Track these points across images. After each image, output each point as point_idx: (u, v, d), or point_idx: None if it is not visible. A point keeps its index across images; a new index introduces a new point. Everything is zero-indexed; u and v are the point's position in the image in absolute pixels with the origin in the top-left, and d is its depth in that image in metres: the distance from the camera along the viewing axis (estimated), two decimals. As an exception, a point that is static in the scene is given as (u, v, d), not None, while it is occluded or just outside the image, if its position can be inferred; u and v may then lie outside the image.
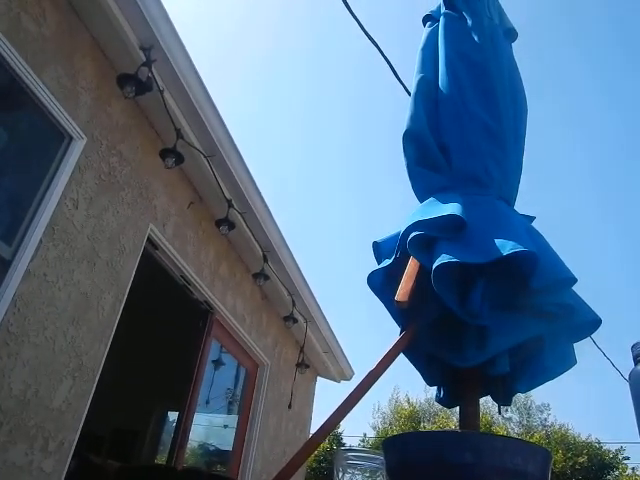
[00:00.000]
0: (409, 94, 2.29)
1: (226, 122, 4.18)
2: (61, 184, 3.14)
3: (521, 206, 1.92)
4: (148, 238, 4.05)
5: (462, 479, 0.81)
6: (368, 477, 1.24)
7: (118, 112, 3.68)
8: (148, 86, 3.46)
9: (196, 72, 3.77)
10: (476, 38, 1.92)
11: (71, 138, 3.26)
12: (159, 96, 3.66)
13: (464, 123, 1.80)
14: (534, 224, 1.79)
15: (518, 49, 2.19)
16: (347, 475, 1.26)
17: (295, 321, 6.38)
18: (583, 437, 17.20)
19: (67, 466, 3.20)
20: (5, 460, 2.77)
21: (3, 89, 2.96)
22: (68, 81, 3.22)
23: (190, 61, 3.70)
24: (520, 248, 1.42)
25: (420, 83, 1.96)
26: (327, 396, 8.17)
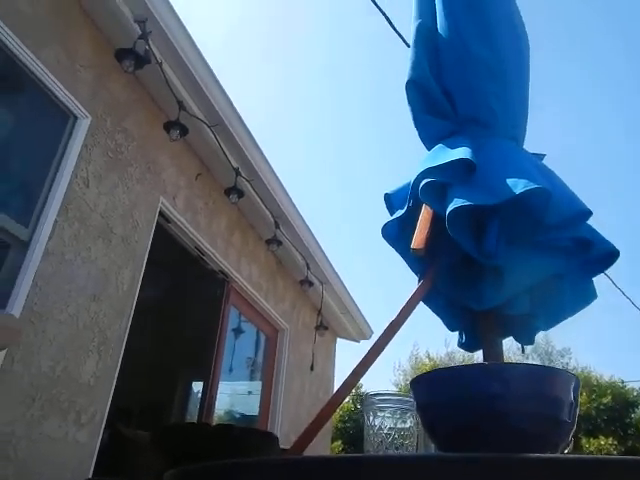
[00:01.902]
0: (408, 46, 2.26)
1: (227, 91, 4.16)
2: (70, 163, 3.16)
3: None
4: (160, 212, 4.08)
5: (491, 409, 0.83)
6: (399, 419, 1.27)
7: (119, 88, 3.66)
8: (146, 59, 3.43)
9: (192, 41, 3.73)
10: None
11: (76, 117, 3.27)
12: (158, 69, 3.63)
13: (466, 65, 1.77)
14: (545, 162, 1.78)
15: None
16: (377, 419, 1.29)
17: (311, 284, 6.44)
18: (606, 378, 17.33)
19: (100, 437, 3.31)
20: (41, 433, 2.87)
21: (4, 72, 2.95)
22: (67, 59, 3.20)
23: (185, 30, 3.66)
24: (532, 185, 1.42)
25: (419, 29, 1.93)
26: (348, 357, 8.29)
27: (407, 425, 1.30)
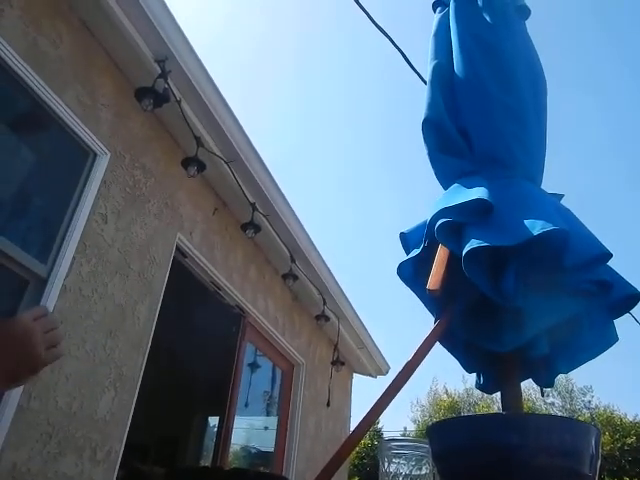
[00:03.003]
0: (425, 83, 2.28)
1: (244, 127, 4.23)
2: (89, 200, 3.21)
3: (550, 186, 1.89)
4: (177, 247, 4.10)
5: (509, 460, 0.80)
6: (414, 466, 1.23)
7: (138, 126, 3.74)
8: (165, 97, 3.51)
9: (211, 79, 3.81)
10: (488, 18, 1.90)
11: (95, 155, 3.33)
12: (177, 106, 3.70)
13: (483, 105, 1.78)
14: (563, 202, 1.76)
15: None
16: (393, 465, 1.25)
17: (327, 319, 6.39)
18: (630, 417, 16.77)
19: (115, 474, 3.27)
20: (57, 471, 2.84)
21: (27, 111, 3.04)
22: (88, 99, 3.29)
23: (204, 69, 3.74)
24: (550, 227, 1.40)
25: (435, 69, 1.95)
26: (365, 393, 8.15)
27: (423, 472, 1.27)
